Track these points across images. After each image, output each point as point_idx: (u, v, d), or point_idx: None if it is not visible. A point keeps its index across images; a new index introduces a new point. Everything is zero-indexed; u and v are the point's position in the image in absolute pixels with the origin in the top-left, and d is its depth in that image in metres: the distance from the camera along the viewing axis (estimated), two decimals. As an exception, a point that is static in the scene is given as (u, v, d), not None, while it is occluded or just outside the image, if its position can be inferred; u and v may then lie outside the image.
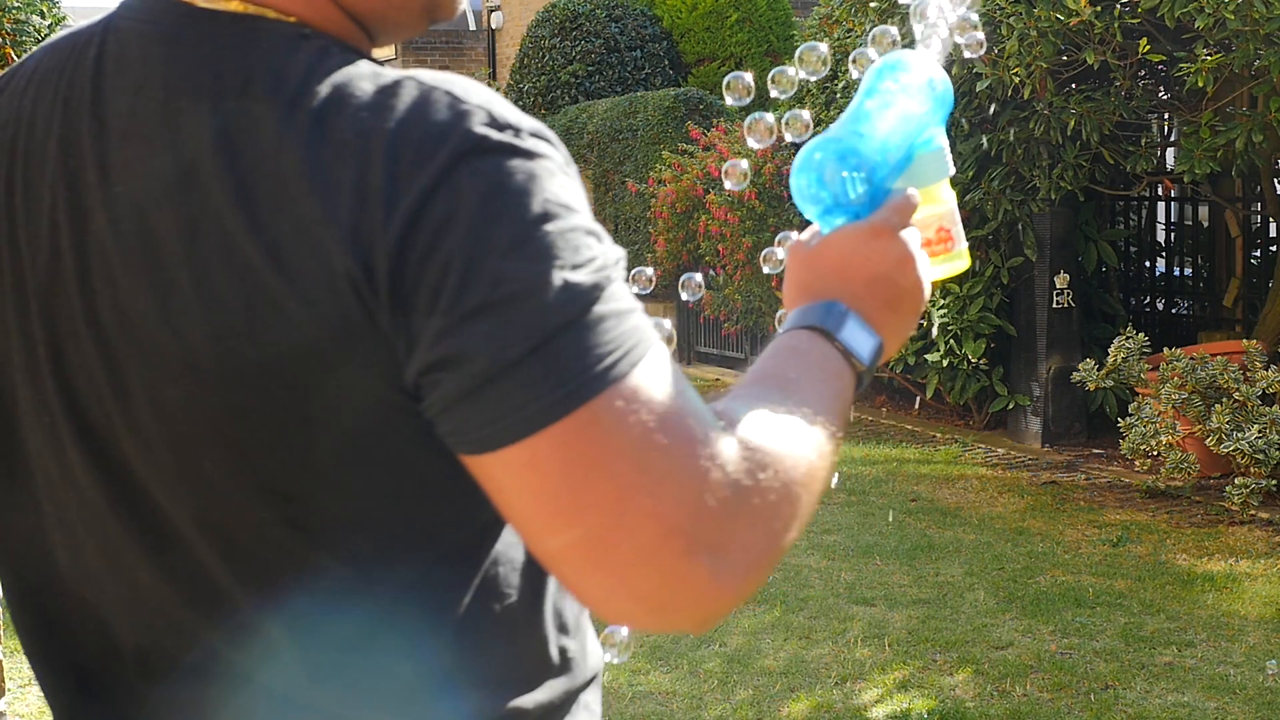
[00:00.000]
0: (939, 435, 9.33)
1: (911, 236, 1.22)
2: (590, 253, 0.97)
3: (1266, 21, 6.90)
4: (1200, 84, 7.16)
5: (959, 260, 1.33)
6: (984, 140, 8.58)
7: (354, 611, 1.04)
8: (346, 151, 0.97)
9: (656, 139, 12.89)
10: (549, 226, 0.96)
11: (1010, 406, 9.08)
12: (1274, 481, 6.94)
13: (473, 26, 23.09)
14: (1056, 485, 7.84)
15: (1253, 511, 6.90)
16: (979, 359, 8.94)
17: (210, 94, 1.00)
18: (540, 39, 15.83)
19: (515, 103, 15.93)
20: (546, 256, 0.95)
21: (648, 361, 0.97)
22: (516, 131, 0.98)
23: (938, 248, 1.32)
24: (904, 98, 1.26)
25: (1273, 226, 9.32)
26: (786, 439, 1.02)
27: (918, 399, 10.03)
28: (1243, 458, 6.94)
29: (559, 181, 0.98)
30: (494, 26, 22.09)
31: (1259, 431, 6.93)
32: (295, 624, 1.03)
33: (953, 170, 1.31)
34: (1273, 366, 7.27)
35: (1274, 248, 9.29)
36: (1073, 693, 4.76)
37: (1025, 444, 8.92)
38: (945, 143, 1.30)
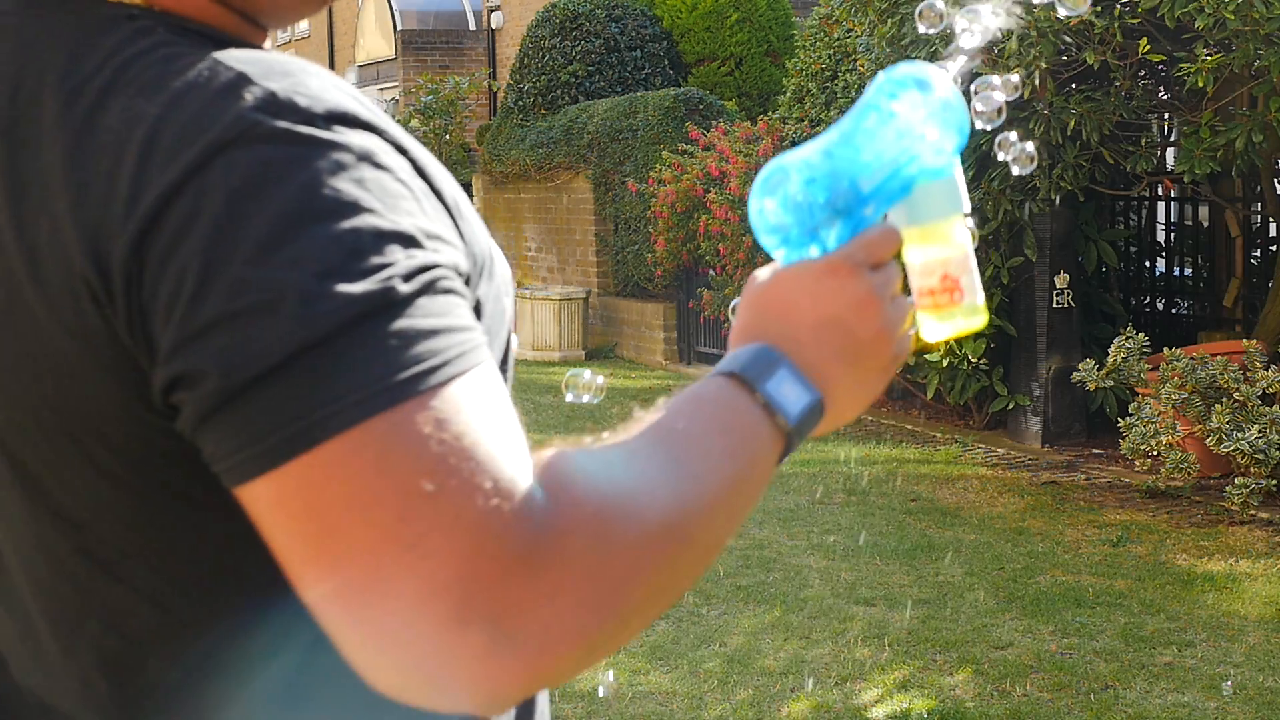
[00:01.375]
0: (939, 435, 9.33)
1: (884, 278, 1.03)
2: (378, 258, 0.83)
3: (1266, 21, 6.89)
4: (1200, 84, 7.16)
5: (972, 316, 1.10)
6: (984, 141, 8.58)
7: (170, 661, 0.92)
8: (109, 141, 0.86)
9: (656, 139, 12.89)
10: (316, 227, 0.82)
11: (1010, 406, 9.08)
12: (1274, 481, 6.94)
13: (473, 26, 23.09)
14: (1056, 485, 7.84)
15: (1253, 511, 6.90)
16: (979, 359, 8.95)
17: (10, 84, 0.92)
18: (540, 39, 15.83)
19: (515, 103, 15.96)
20: (305, 261, 0.81)
21: (445, 390, 0.82)
22: (304, 117, 0.85)
23: (941, 298, 1.09)
24: (909, 118, 1.06)
25: (1273, 226, 9.32)
26: (632, 502, 0.85)
27: (919, 400, 10.03)
28: (1243, 458, 6.94)
29: (350, 175, 0.84)
30: (494, 26, 22.09)
31: (1259, 431, 6.93)
32: (108, 671, 0.94)
33: (967, 207, 1.09)
34: (1273, 366, 7.27)
35: (1274, 248, 9.29)
36: (1073, 693, 4.76)
37: (1025, 444, 8.92)
38: (960, 175, 1.09)
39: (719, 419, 0.94)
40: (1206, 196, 9.28)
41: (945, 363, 9.05)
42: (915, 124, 1.06)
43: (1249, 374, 7.24)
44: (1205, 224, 9.87)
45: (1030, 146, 1.25)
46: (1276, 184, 8.76)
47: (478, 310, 0.95)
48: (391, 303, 0.82)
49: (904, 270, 1.09)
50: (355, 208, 0.84)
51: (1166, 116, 9.08)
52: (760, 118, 11.39)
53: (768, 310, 1.02)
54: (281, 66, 0.89)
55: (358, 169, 0.85)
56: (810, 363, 0.99)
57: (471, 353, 0.85)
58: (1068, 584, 5.94)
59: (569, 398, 1.35)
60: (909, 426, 9.70)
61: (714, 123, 12.07)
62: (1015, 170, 1.24)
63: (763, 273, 1.05)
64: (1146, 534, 6.72)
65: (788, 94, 11.28)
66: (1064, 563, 6.27)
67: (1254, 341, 7.55)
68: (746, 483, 0.93)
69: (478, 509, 0.80)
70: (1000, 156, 1.27)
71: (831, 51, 10.47)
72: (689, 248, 11.47)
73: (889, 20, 8.27)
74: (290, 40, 30.31)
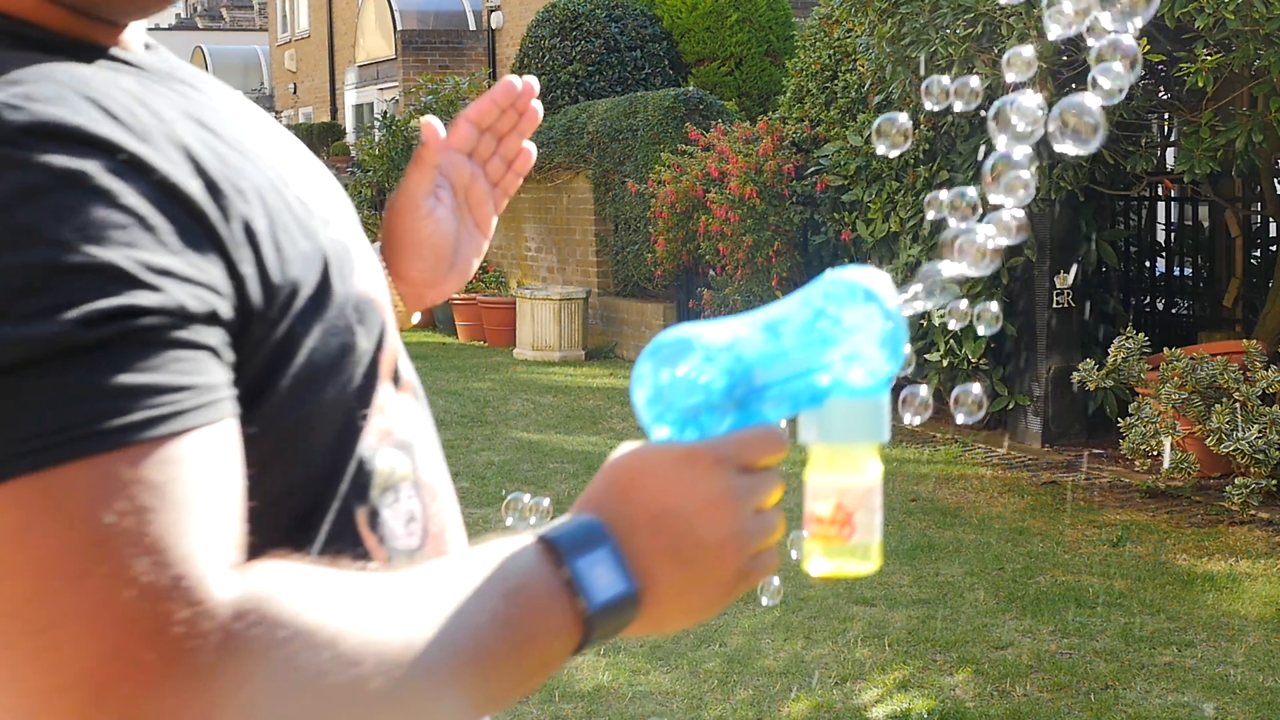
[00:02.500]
0: (939, 435, 9.33)
1: (750, 483, 0.92)
2: (53, 298, 0.72)
3: (1266, 21, 6.89)
4: (1200, 84, 7.16)
5: (863, 560, 0.96)
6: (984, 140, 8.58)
7: None
8: None
9: (656, 139, 12.89)
10: None
11: (1010, 406, 9.08)
12: (1274, 481, 6.94)
13: (473, 26, 23.09)
14: (1056, 485, 7.84)
15: (1253, 511, 6.90)
16: (979, 359, 8.95)
17: None
18: (540, 39, 15.83)
19: (515, 103, 15.95)
20: None
21: (121, 457, 0.72)
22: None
23: (830, 529, 0.96)
24: (844, 326, 0.94)
25: (1273, 226, 9.32)
26: (340, 643, 0.74)
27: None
28: (1243, 458, 6.94)
29: (40, 201, 0.74)
30: (494, 26, 22.08)
31: (1259, 431, 6.93)
32: None
33: (885, 437, 0.96)
34: (1273, 366, 7.27)
35: (1274, 248, 9.29)
36: (1073, 693, 4.76)
37: (1025, 444, 8.93)
38: (886, 403, 0.97)
39: (507, 582, 0.83)
40: (1206, 196, 9.28)
41: (945, 362, 9.06)
42: (848, 334, 0.95)
43: (1249, 374, 7.24)
44: (1205, 224, 9.87)
45: (924, 391, 1.15)
46: (1276, 184, 8.76)
47: (289, 349, 0.86)
48: (61, 350, 0.72)
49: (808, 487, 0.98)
50: (35, 238, 0.73)
51: (1166, 116, 9.08)
52: (760, 118, 11.39)
53: (614, 484, 0.91)
54: (18, 75, 0.79)
55: (52, 194, 0.75)
56: (638, 551, 0.88)
57: (182, 415, 0.74)
58: (1068, 584, 5.94)
59: (509, 521, 1.28)
60: (909, 426, 9.70)
61: (714, 123, 12.07)
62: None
63: (626, 445, 0.94)
64: (1146, 534, 6.72)
65: (788, 94, 11.28)
66: (1064, 563, 6.27)
67: (1254, 341, 7.55)
68: (515, 661, 0.82)
69: (128, 602, 0.70)
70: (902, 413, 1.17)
71: (831, 51, 10.47)
72: (689, 248, 11.47)
73: (889, 20, 8.26)
74: (290, 40, 30.30)
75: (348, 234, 0.98)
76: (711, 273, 11.43)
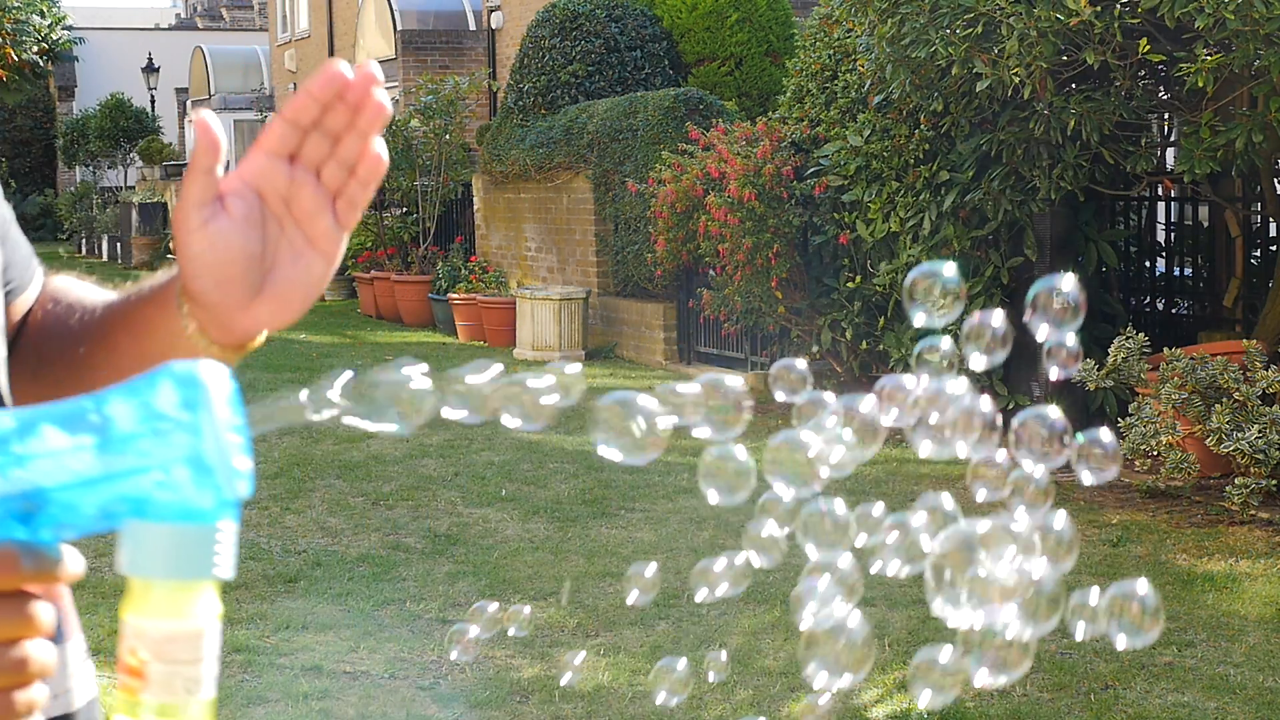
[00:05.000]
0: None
1: None
2: None
3: (1266, 21, 6.89)
4: (1200, 84, 7.16)
5: None
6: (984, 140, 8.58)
7: None
8: None
9: (656, 139, 12.89)
10: None
11: (1010, 407, 9.08)
12: (1274, 481, 6.94)
13: (473, 26, 23.09)
14: (1056, 485, 7.83)
15: (1253, 511, 6.90)
16: (979, 359, 8.94)
17: None
18: (540, 39, 15.83)
19: (515, 103, 15.96)
20: None
21: None
22: None
23: (130, 680, 0.80)
24: (151, 425, 0.78)
25: (1273, 226, 9.32)
26: None
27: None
28: (1243, 458, 6.94)
29: None
30: (494, 26, 22.09)
31: (1259, 431, 6.93)
32: None
33: (208, 575, 0.80)
34: (1273, 366, 7.27)
35: (1274, 248, 9.29)
36: (1073, 693, 4.76)
37: (1025, 444, 8.92)
38: (226, 540, 0.81)
39: None
40: (1206, 196, 9.28)
41: (945, 363, 9.05)
42: (153, 436, 0.78)
43: (1249, 374, 7.24)
44: (1205, 224, 9.87)
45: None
46: (1276, 184, 8.76)
47: None
48: None
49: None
50: None
51: (1166, 116, 9.08)
52: (760, 118, 11.39)
53: None
54: None
55: None
56: None
57: None
58: (1068, 584, 5.93)
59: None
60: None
61: (714, 122, 12.07)
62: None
63: None
64: (1146, 534, 6.72)
65: (788, 94, 11.27)
66: (1064, 563, 6.27)
67: (1254, 341, 7.55)
68: None
69: None
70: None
71: (831, 51, 10.47)
72: (689, 248, 11.47)
73: (889, 20, 8.26)
74: (290, 40, 30.31)
75: None
76: (711, 273, 11.43)
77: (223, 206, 1.10)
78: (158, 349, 1.14)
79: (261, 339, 1.16)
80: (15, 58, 30.85)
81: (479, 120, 19.89)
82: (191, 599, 0.80)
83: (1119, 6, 7.65)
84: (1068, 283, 1.04)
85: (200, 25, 43.56)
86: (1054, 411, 1.04)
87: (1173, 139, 8.88)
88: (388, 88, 25.71)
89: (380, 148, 1.10)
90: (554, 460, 8.59)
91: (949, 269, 1.04)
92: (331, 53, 27.34)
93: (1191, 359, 7.33)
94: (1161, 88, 8.68)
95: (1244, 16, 6.90)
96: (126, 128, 33.10)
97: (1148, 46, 7.37)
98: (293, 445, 9.05)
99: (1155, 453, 7.34)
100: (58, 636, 0.90)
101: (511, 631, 1.25)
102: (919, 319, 1.05)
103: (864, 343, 10.08)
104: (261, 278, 1.12)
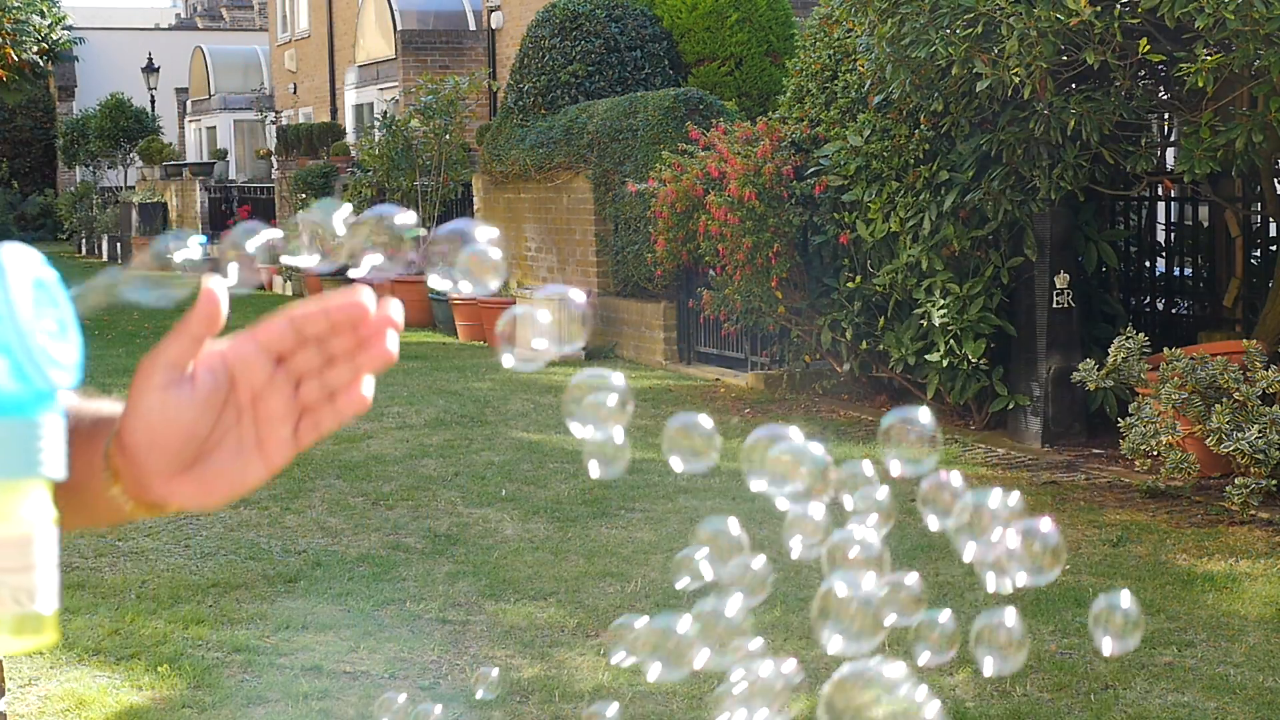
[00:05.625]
0: (938, 435, 9.32)
1: None
2: None
3: (1266, 21, 6.89)
4: (1200, 84, 7.16)
5: (23, 634, 0.77)
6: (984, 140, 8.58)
7: None
8: None
9: (656, 139, 12.89)
10: None
11: (1010, 406, 9.08)
12: (1274, 481, 6.94)
13: (473, 26, 23.10)
14: (1056, 485, 7.84)
15: (1253, 511, 6.90)
16: (979, 359, 8.95)
17: None
18: (540, 39, 15.83)
19: (515, 103, 15.96)
20: None
21: None
22: None
23: None
24: None
25: (1273, 226, 9.32)
26: None
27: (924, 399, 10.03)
28: (1243, 458, 6.94)
29: None
30: (494, 26, 22.09)
31: (1259, 431, 6.93)
32: None
33: (36, 474, 0.76)
34: (1273, 366, 7.28)
35: (1274, 248, 9.29)
36: (1073, 693, 4.76)
37: (1025, 444, 8.93)
38: (51, 435, 0.77)
39: None
40: (1206, 196, 9.28)
41: (945, 362, 9.07)
42: None
43: (1249, 374, 7.24)
44: (1205, 224, 9.87)
45: None
46: (1276, 184, 8.76)
47: None
48: None
49: None
50: None
51: (1166, 116, 9.08)
52: (760, 118, 11.39)
53: None
54: None
55: None
56: None
57: None
58: (1067, 584, 5.94)
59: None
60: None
61: (714, 122, 12.07)
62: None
63: None
64: (1146, 534, 6.72)
65: (788, 94, 11.27)
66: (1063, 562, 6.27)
67: (1254, 341, 7.55)
68: None
69: None
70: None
71: (831, 51, 10.47)
72: (689, 248, 11.47)
73: (889, 20, 8.26)
74: (290, 40, 30.30)
75: None
76: (711, 273, 11.43)
77: (191, 375, 1.05)
78: (72, 475, 1.04)
79: (173, 509, 1.11)
80: (15, 58, 30.88)
81: (479, 120, 19.89)
82: (15, 500, 0.73)
83: (1119, 6, 7.65)
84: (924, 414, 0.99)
85: (200, 25, 43.57)
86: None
87: (1173, 139, 8.88)
88: (388, 87, 25.51)
89: (369, 390, 1.06)
90: (554, 460, 8.59)
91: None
92: (331, 53, 27.34)
93: (1191, 359, 7.33)
94: (1161, 88, 8.68)
95: (1244, 16, 6.90)
96: (126, 128, 33.08)
97: (1148, 46, 7.37)
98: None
99: (1155, 453, 7.34)
100: None
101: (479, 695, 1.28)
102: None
103: (864, 343, 10.08)
104: (196, 457, 1.06)
